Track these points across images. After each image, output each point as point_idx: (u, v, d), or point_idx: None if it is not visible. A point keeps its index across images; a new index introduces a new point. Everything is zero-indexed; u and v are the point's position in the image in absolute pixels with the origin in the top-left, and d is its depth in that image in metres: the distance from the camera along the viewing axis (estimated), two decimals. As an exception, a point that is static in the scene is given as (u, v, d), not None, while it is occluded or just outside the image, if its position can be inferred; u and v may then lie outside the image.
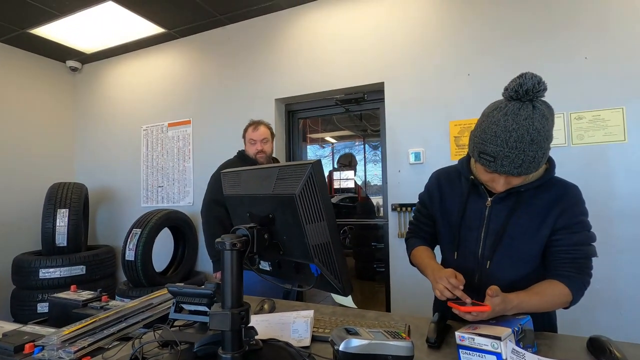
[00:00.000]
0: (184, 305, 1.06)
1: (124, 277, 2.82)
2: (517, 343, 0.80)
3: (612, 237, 1.97)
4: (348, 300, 0.91)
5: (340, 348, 0.79)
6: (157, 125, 3.47)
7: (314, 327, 1.01)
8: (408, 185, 2.48)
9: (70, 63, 3.86)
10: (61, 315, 1.49)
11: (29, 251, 3.27)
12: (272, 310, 1.22)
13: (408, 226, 1.32)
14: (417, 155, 2.45)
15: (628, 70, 2.00)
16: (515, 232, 1.01)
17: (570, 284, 0.95)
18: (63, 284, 2.92)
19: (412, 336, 0.98)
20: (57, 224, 3.02)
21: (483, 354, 0.76)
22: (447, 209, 1.15)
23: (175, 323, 1.10)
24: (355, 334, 0.83)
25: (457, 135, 2.34)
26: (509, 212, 1.02)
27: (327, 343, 0.88)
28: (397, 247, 2.48)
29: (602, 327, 1.96)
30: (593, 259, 1.00)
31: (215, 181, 2.02)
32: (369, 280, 4.32)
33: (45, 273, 2.90)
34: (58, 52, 3.65)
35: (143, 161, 3.53)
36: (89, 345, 0.96)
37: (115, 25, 3.11)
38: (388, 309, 2.55)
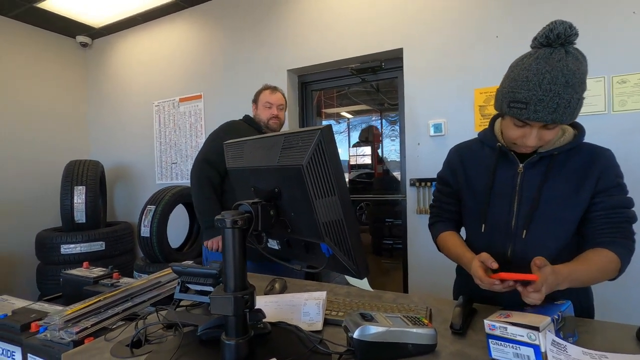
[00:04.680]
0: (190, 285, 1.00)
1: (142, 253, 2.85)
2: (557, 333, 0.70)
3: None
4: (363, 283, 0.83)
5: (355, 335, 0.71)
6: (168, 101, 3.41)
7: (326, 310, 0.94)
8: (428, 159, 2.34)
9: (80, 38, 3.80)
10: (73, 292, 1.48)
11: (51, 227, 3.34)
12: (283, 290, 1.16)
13: (429, 210, 1.22)
14: (437, 127, 2.29)
15: (684, 25, 1.76)
16: (552, 197, 0.93)
17: (616, 249, 0.87)
18: (84, 259, 2.97)
19: (433, 321, 0.90)
20: (75, 201, 3.06)
21: (517, 346, 0.67)
22: (473, 182, 1.06)
23: (183, 303, 1.05)
24: (370, 319, 0.75)
25: (482, 104, 2.17)
26: (543, 177, 0.94)
27: (340, 327, 0.81)
28: (415, 224, 2.38)
29: (638, 310, 1.84)
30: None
31: (212, 140, 1.85)
32: (385, 256, 4.26)
33: (66, 249, 2.96)
34: (67, 27, 3.58)
35: (156, 138, 3.50)
36: (92, 325, 0.92)
37: (121, -5, 3.00)
38: (405, 288, 2.48)
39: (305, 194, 0.70)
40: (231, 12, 3.06)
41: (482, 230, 1.01)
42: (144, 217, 2.63)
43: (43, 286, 3.02)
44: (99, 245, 3.07)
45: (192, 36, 3.27)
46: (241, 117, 2.03)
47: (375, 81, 2.85)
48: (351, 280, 0.75)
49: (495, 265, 0.80)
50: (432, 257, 2.23)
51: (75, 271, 1.54)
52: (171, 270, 1.22)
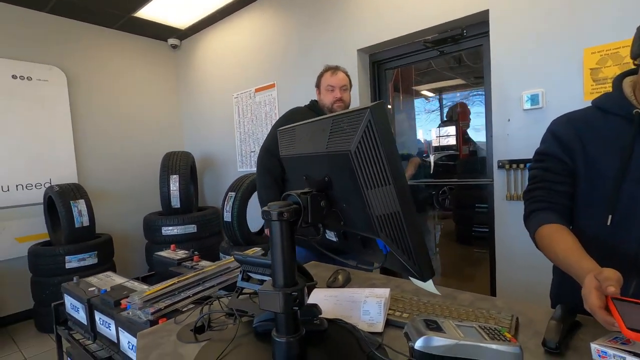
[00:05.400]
0: (251, 274, 1.01)
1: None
2: None
3: None
4: (428, 285, 0.72)
5: (416, 346, 0.61)
6: (245, 92, 3.56)
7: (390, 309, 0.86)
8: (520, 138, 2.02)
9: (171, 41, 4.17)
10: (162, 272, 1.65)
11: (155, 211, 3.82)
12: (346, 282, 1.10)
13: (524, 196, 0.97)
14: (534, 99, 1.95)
15: None
16: None
17: None
18: (180, 240, 3.35)
19: (522, 334, 0.75)
20: (171, 188, 3.43)
21: (641, 383, 0.50)
22: (596, 163, 0.83)
23: (246, 290, 1.07)
24: (436, 328, 0.64)
25: (595, 66, 1.76)
26: None
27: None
28: (505, 212, 2.10)
29: None
30: None
31: (273, 129, 1.90)
32: (471, 245, 3.92)
33: (166, 230, 3.35)
34: (160, 32, 3.96)
35: (236, 128, 3.71)
36: (165, 307, 0.99)
37: (200, -5, 3.19)
38: (492, 286, 2.22)
39: (356, 183, 0.62)
40: (300, -3, 3.03)
41: (608, 223, 0.79)
42: (226, 202, 2.82)
43: (150, 262, 3.49)
44: (191, 228, 3.41)
45: (264, 26, 3.34)
46: (307, 103, 1.99)
47: (457, 52, 2.55)
48: (415, 281, 0.65)
49: (612, 291, 0.57)
50: (526, 250, 1.94)
51: (164, 253, 1.70)
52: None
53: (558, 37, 1.86)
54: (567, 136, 0.87)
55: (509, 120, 2.05)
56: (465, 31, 2.29)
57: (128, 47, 3.96)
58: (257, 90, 3.45)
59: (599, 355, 0.54)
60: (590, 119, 0.86)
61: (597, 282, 0.60)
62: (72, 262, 2.83)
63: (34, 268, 2.90)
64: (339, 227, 0.77)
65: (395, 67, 2.87)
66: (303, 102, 2.91)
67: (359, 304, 0.86)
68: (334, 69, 1.85)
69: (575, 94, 1.82)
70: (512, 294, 2.05)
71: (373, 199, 0.61)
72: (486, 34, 2.16)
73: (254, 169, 3.51)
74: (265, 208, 0.67)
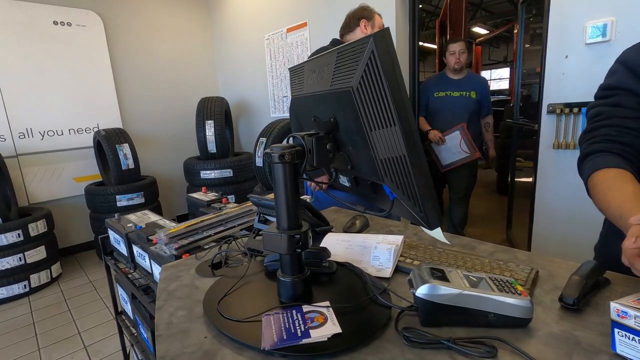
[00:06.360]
0: (267, 217, 1.03)
1: (260, 181, 3.16)
2: None
3: None
4: (436, 233, 0.68)
5: (417, 293, 0.60)
6: (277, 33, 3.41)
7: (402, 256, 0.84)
8: (578, 77, 1.77)
9: (201, -22, 4.01)
10: (195, 212, 1.74)
11: (194, 156, 3.98)
12: (363, 228, 1.09)
13: (582, 138, 0.82)
14: (601, 30, 1.67)
15: None
16: None
17: None
18: (218, 183, 3.51)
19: (540, 288, 0.70)
20: (207, 134, 3.52)
21: (662, 347, 0.45)
22: None
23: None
24: (441, 277, 0.62)
25: (685, -15, 1.45)
26: None
27: (412, 278, 0.70)
28: (548, 162, 1.92)
29: None
30: None
31: None
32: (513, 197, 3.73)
33: (204, 174, 3.51)
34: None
35: (268, 72, 3.62)
36: (188, 244, 1.05)
37: None
38: (529, 240, 2.12)
39: (359, 124, 0.57)
40: None
41: None
42: (257, 148, 2.86)
43: (191, 203, 3.72)
44: (228, 172, 3.54)
45: (296, -44, 3.07)
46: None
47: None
48: (424, 229, 0.62)
49: None
50: (568, 204, 1.80)
51: (195, 194, 1.79)
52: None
53: (642, -51, 1.52)
54: None
55: (566, 56, 1.80)
56: (524, -51, 1.95)
57: (159, -13, 3.87)
58: (288, 31, 3.28)
59: (618, 315, 0.49)
60: None
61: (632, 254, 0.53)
62: (122, 200, 3.10)
63: (91, 205, 3.22)
64: (348, 171, 0.74)
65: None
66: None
67: (369, 249, 0.85)
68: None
69: (653, 23, 1.53)
70: (547, 250, 1.95)
71: (377, 141, 0.56)
72: (550, -50, 1.82)
73: (286, 115, 3.49)
74: (267, 150, 0.65)
